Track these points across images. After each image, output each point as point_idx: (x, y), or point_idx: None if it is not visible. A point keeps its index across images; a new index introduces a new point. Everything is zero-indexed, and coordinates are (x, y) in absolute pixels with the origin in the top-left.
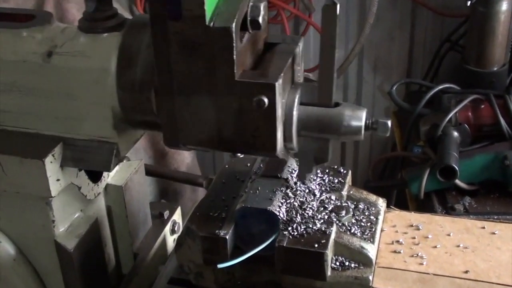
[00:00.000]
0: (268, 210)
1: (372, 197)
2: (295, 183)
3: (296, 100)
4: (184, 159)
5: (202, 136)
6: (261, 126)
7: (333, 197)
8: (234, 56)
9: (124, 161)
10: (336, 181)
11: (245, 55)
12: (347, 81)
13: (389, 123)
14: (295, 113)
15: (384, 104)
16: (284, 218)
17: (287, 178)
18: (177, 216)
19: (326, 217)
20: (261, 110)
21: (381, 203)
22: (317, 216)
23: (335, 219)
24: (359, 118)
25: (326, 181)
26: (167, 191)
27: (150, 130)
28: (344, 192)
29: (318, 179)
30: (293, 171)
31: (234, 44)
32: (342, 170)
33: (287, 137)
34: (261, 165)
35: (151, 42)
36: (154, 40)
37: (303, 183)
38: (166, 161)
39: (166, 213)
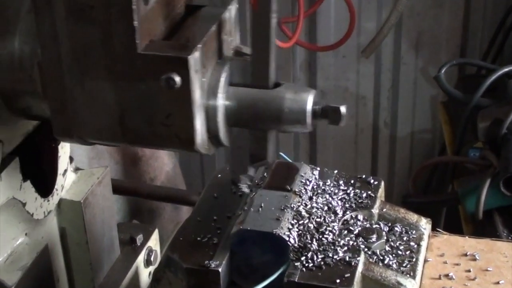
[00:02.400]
0: (275, 234)
1: (413, 217)
2: (310, 198)
3: (222, 79)
4: (163, 166)
5: (100, 124)
6: (173, 112)
7: (360, 217)
8: (135, 22)
9: (85, 169)
10: (364, 195)
11: (153, 21)
12: (380, 62)
13: (343, 109)
14: (220, 95)
15: (429, 92)
16: (296, 245)
17: (300, 191)
18: (154, 242)
19: (351, 243)
20: (172, 92)
21: (425, 224)
22: (339, 242)
23: (363, 246)
24: (304, 102)
25: (351, 195)
26: (140, 208)
27: (36, 119)
28: (375, 210)
29: (341, 193)
30: (308, 182)
31: (135, 6)
32: (372, 181)
33: (211, 127)
34: (265, 174)
35: (32, 5)
36: (34, 2)
37: (321, 197)
38: (139, 168)
39: (139, 238)
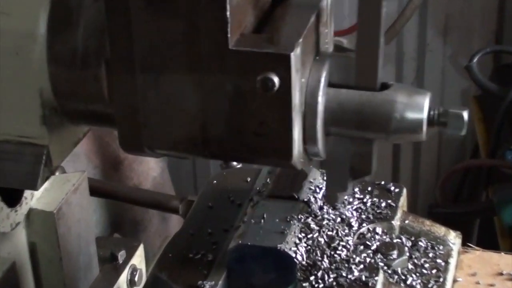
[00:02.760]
0: (279, 249)
1: (440, 230)
2: (321, 208)
3: (323, 80)
4: (149, 171)
5: (178, 134)
6: (268, 119)
7: (378, 230)
8: (228, 13)
9: (57, 173)
10: (383, 204)
11: (243, 12)
12: (402, 50)
13: (466, 114)
14: (320, 99)
15: (459, 85)
16: (304, 262)
17: (309, 200)
18: (139, 259)
19: (368, 260)
20: (269, 95)
21: (454, 238)
22: (354, 259)
23: (382, 264)
24: (419, 108)
25: (369, 204)
26: (122, 220)
27: (98, 125)
28: (396, 222)
29: (356, 202)
30: (318, 190)
31: None
32: (392, 188)
33: (308, 137)
34: (268, 180)
35: None
36: None
37: (333, 208)
38: (121, 174)
39: (121, 255)
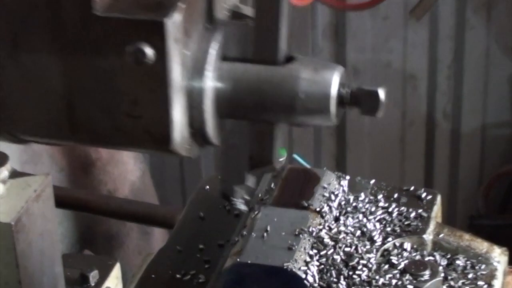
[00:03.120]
0: (286, 269)
1: (482, 246)
2: (337, 219)
3: (213, 51)
4: (127, 175)
5: (40, 115)
6: (142, 98)
7: (407, 246)
8: None
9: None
10: (413, 215)
11: None
12: (436, 27)
13: (382, 93)
14: (209, 74)
15: (506, 68)
16: (316, 285)
17: (322, 209)
18: (114, 281)
19: (394, 282)
20: (142, 69)
21: (499, 256)
22: (377, 281)
23: (411, 287)
24: (326, 83)
25: (395, 215)
26: (94, 234)
27: None
28: (429, 236)
29: (380, 212)
30: (333, 197)
31: None
32: (425, 195)
33: (195, 119)
34: (273, 186)
35: None
36: None
37: (352, 217)
38: (92, 178)
39: (93, 276)
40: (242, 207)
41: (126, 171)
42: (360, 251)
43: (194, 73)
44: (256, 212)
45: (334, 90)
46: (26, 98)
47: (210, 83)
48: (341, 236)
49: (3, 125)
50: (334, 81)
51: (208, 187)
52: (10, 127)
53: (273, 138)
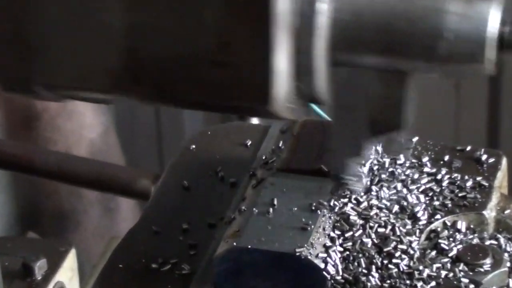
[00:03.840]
0: (299, 257)
1: None
2: (368, 190)
3: None
4: (84, 131)
5: (91, 64)
6: (234, 38)
7: (461, 225)
8: None
9: None
10: (469, 183)
11: None
12: None
13: None
14: (322, 7)
15: None
16: (340, 277)
17: (347, 177)
18: (69, 272)
19: (443, 274)
20: (234, 1)
21: None
22: (421, 273)
23: (466, 280)
24: (483, 19)
25: (445, 183)
26: (41, 211)
27: None
28: (490, 213)
29: (425, 180)
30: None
31: None
32: (485, 157)
33: (302, 67)
34: (281, 145)
35: None
36: None
37: (387, 187)
38: (37, 134)
39: (39, 266)
40: (358, 186)
41: (82, 125)
42: (398, 233)
43: (304, 5)
44: (258, 180)
45: (493, 28)
46: (72, 38)
47: (324, 18)
48: (372, 213)
49: (38, 76)
50: (493, 16)
51: (194, 146)
52: (46, 79)
53: (404, 94)
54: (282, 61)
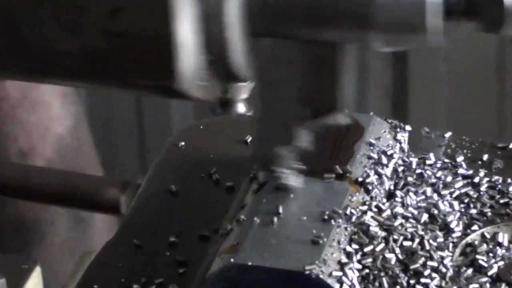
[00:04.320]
0: (309, 275)
1: None
2: (391, 195)
3: None
4: (50, 124)
5: None
6: (126, 4)
7: (503, 238)
8: None
9: None
10: None
11: None
12: None
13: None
14: None
15: None
16: None
17: (367, 178)
18: None
19: None
20: None
21: None
22: None
23: None
24: None
25: (484, 187)
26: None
27: None
28: None
29: (460, 184)
30: (384, 159)
31: None
32: None
33: (213, 37)
34: None
35: None
36: None
37: (413, 192)
38: None
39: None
40: (293, 181)
41: (48, 118)
42: (427, 247)
43: None
44: (260, 184)
45: None
46: None
47: None
48: (397, 223)
49: None
50: None
51: (183, 143)
52: None
53: (338, 69)
54: (186, 28)
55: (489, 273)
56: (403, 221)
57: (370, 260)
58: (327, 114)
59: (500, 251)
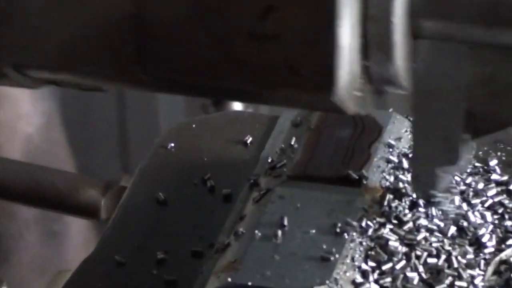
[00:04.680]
0: None
1: None
2: (413, 204)
3: None
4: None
5: (79, 35)
6: (280, 4)
7: None
8: None
9: None
10: None
11: None
12: None
13: None
14: None
15: None
16: None
17: (385, 184)
18: None
19: None
20: None
21: None
22: None
23: None
24: None
25: None
26: None
27: None
28: None
29: (493, 190)
30: (406, 163)
31: None
32: None
33: (374, 40)
34: (294, 142)
35: None
36: None
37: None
38: None
39: None
40: (453, 208)
41: (16, 115)
42: (455, 265)
43: None
44: (262, 192)
45: None
46: (51, 8)
47: None
48: (420, 237)
49: (6, 53)
50: None
51: (172, 144)
52: (16, 57)
53: None
54: (347, 31)
55: None
56: (427, 234)
57: (389, 279)
58: (498, 130)
59: None
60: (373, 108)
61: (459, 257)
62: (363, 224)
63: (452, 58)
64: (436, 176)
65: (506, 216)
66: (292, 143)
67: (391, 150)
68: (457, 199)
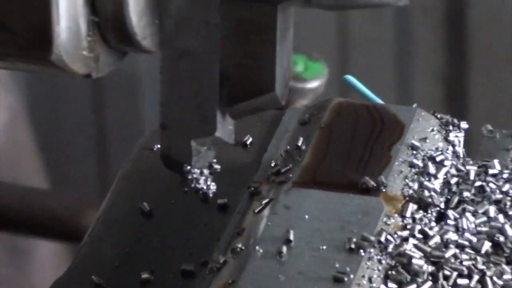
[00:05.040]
0: None
1: None
2: (441, 216)
3: None
4: None
5: None
6: None
7: None
8: None
9: None
10: None
11: None
12: None
13: None
14: None
15: None
16: None
17: (407, 193)
18: None
19: None
20: None
21: None
22: None
23: None
24: None
25: None
26: None
27: None
28: None
29: None
30: (433, 168)
31: None
32: None
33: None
34: (301, 142)
35: None
36: None
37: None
38: None
39: None
40: (207, 186)
41: None
42: (490, 286)
43: None
44: (265, 201)
45: None
46: None
47: None
48: (449, 254)
49: None
50: None
51: (159, 146)
52: None
53: (274, 36)
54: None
55: None
56: (457, 251)
57: None
58: (257, 95)
59: None
60: (108, 67)
61: (494, 278)
62: (382, 239)
63: (203, 13)
64: (191, 148)
65: None
66: (299, 144)
67: (414, 152)
68: (492, 209)
